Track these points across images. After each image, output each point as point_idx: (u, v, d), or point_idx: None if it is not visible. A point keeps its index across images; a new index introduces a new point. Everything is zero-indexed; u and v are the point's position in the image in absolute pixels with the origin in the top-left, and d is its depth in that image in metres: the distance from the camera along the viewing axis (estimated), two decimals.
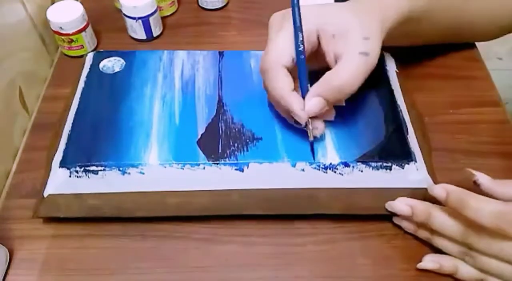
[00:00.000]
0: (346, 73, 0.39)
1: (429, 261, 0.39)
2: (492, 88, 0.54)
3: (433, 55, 0.57)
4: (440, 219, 0.38)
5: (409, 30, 0.46)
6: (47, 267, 0.41)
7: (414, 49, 0.55)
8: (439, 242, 0.40)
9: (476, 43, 0.58)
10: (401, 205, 0.40)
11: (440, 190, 0.38)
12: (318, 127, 0.41)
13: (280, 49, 0.40)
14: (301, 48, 0.40)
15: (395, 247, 0.42)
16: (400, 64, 0.52)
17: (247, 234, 0.43)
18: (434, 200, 0.40)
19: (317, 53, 0.42)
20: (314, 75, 0.41)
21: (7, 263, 0.41)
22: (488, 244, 0.36)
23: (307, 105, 0.39)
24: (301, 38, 0.40)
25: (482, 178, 0.39)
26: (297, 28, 0.40)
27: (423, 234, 0.41)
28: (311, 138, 0.41)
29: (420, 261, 0.40)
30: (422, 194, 0.41)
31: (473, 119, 0.51)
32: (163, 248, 0.42)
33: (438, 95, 0.53)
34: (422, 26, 0.47)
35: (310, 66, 0.41)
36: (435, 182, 0.42)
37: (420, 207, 0.40)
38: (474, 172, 0.40)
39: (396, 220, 0.42)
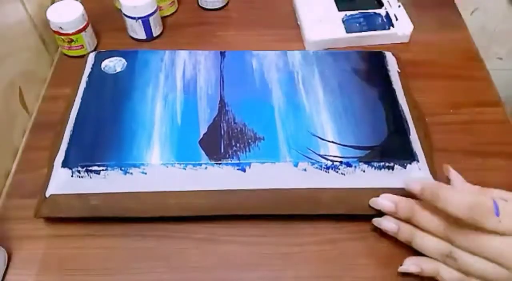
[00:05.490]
0: None
1: (410, 265, 0.39)
2: (492, 88, 0.54)
3: (433, 55, 0.57)
4: (423, 213, 0.38)
5: None
6: (47, 267, 0.41)
7: (414, 49, 0.55)
8: (420, 243, 0.39)
9: (476, 43, 0.58)
10: (385, 201, 0.40)
11: (415, 185, 0.38)
12: None
13: None
14: None
15: (395, 247, 0.42)
16: (400, 64, 0.52)
17: (247, 234, 0.43)
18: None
19: None
20: None
21: (6, 264, 0.41)
22: (471, 239, 0.35)
23: None
24: None
25: (454, 177, 0.40)
26: None
27: (404, 234, 0.40)
28: None
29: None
30: None
31: (473, 119, 0.51)
32: (163, 248, 0.42)
33: (438, 95, 0.53)
34: None
35: None
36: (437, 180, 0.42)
37: (404, 203, 0.39)
38: (449, 168, 0.41)
39: (375, 222, 0.42)
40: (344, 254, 0.42)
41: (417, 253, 0.40)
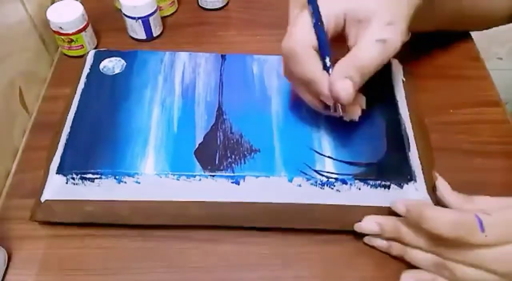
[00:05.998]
0: (363, 57, 0.37)
1: (409, 278, 0.38)
2: (492, 88, 0.54)
3: (433, 55, 0.57)
4: (409, 232, 0.38)
5: (423, 12, 0.43)
6: (47, 267, 0.41)
7: (414, 49, 0.55)
8: (413, 257, 0.39)
9: (476, 43, 0.58)
10: (369, 224, 0.40)
11: (400, 206, 0.38)
12: (354, 111, 0.40)
13: (306, 29, 0.38)
14: (321, 27, 0.37)
15: None
16: (406, 72, 0.51)
17: (247, 234, 0.43)
18: None
19: (342, 36, 0.40)
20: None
21: (6, 264, 0.41)
22: (460, 253, 0.35)
23: (336, 86, 0.36)
24: (317, 17, 0.37)
25: (441, 185, 0.40)
26: (315, 9, 0.38)
27: (396, 250, 0.40)
28: (340, 114, 0.39)
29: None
30: None
31: (473, 119, 0.51)
32: (163, 248, 0.42)
33: (438, 95, 0.53)
34: (435, 8, 0.46)
35: (334, 49, 0.38)
36: (434, 200, 0.41)
37: (389, 223, 0.39)
38: (437, 175, 0.41)
39: (367, 240, 0.41)
40: (344, 254, 0.42)
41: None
